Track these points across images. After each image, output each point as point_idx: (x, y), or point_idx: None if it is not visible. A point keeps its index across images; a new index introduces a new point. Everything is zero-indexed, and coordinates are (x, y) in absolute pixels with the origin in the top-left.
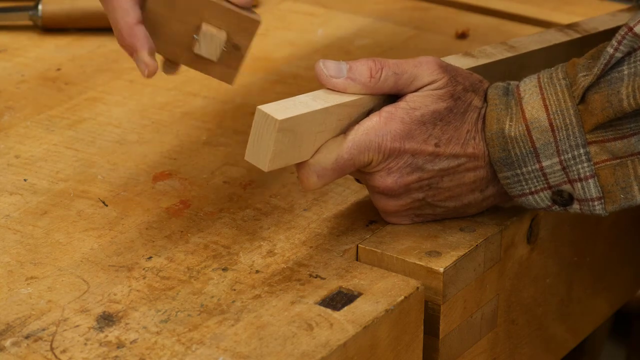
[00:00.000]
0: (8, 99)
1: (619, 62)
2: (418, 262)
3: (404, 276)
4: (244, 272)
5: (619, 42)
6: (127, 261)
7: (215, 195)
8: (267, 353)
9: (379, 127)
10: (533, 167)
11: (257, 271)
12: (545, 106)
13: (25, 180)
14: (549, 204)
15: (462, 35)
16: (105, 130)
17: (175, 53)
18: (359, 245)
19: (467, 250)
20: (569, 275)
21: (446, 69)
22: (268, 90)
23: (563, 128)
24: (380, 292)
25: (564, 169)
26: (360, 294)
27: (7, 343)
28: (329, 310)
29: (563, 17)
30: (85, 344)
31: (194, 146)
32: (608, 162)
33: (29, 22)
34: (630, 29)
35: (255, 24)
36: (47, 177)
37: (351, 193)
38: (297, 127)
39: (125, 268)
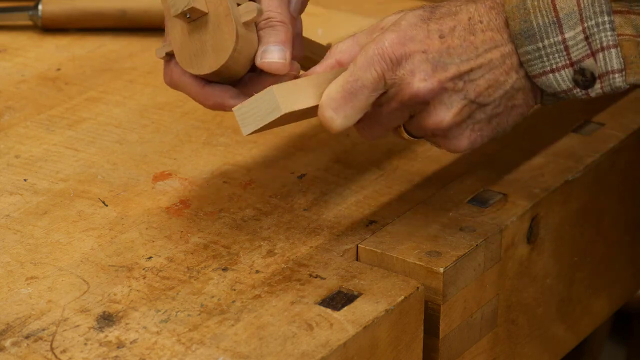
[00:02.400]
0: (8, 99)
1: None
2: (418, 262)
3: (404, 276)
4: (244, 272)
5: None
6: (127, 261)
7: (215, 195)
8: (267, 353)
9: (373, 43)
10: (555, 39)
11: (257, 271)
12: None
13: (25, 180)
14: (570, 85)
15: None
16: (105, 130)
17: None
18: (359, 245)
19: (467, 250)
20: (569, 275)
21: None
22: None
23: None
24: (380, 292)
25: (586, 38)
26: (360, 294)
27: (7, 343)
28: (329, 310)
29: None
30: (85, 344)
31: (194, 146)
32: (632, 37)
33: (29, 22)
34: None
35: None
36: (47, 177)
37: (351, 193)
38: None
39: (125, 268)
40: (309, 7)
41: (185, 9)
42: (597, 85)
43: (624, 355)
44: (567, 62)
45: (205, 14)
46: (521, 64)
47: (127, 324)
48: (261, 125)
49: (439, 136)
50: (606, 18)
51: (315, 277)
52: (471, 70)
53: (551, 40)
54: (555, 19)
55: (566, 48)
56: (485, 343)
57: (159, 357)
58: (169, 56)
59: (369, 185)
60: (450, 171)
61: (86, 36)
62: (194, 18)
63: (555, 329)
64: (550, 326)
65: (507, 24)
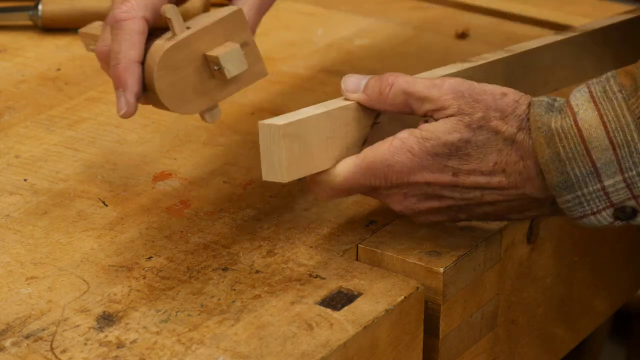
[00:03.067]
0: (8, 99)
1: None
2: (418, 262)
3: (404, 276)
4: (244, 272)
5: None
6: (127, 261)
7: (215, 195)
8: (267, 353)
9: (387, 156)
10: (595, 187)
11: (257, 271)
12: (604, 123)
13: (25, 180)
14: (611, 220)
15: (462, 35)
16: (105, 130)
17: (209, 99)
18: (359, 245)
19: (467, 250)
20: (569, 275)
21: (462, 93)
22: (268, 90)
23: (625, 145)
24: (380, 292)
25: (627, 186)
26: (360, 294)
27: (7, 343)
28: (329, 310)
29: (563, 17)
30: (85, 344)
31: (194, 146)
32: None
33: (29, 22)
34: None
35: (238, 13)
36: (47, 177)
37: None
38: (302, 132)
39: (125, 268)
40: (309, 7)
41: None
42: (639, 218)
43: (624, 355)
44: (608, 204)
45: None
46: (530, 209)
47: (127, 324)
48: (285, 158)
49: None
50: None
51: (315, 277)
52: (469, 206)
53: (590, 188)
54: (592, 169)
55: (606, 194)
56: (485, 343)
57: (159, 357)
58: (153, 14)
59: None
60: None
61: None
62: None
63: (555, 329)
64: (550, 326)
65: (537, 176)
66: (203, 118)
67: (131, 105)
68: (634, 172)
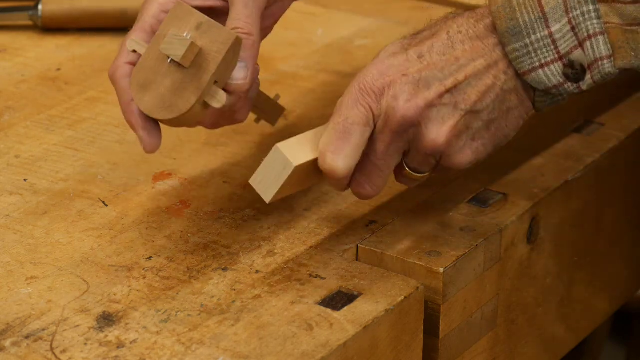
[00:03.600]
0: (8, 99)
1: None
2: (418, 262)
3: (404, 276)
4: (244, 272)
5: None
6: (127, 261)
7: (215, 195)
8: (267, 353)
9: (355, 80)
10: (542, 34)
11: (257, 271)
12: None
13: (25, 180)
14: (561, 80)
15: None
16: (105, 130)
17: (193, 92)
18: (359, 245)
19: (467, 250)
20: (569, 275)
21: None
22: (268, 90)
23: None
24: (380, 292)
25: (572, 29)
26: (360, 294)
27: (7, 343)
28: (329, 310)
29: None
30: (85, 344)
31: (194, 146)
32: (618, 25)
33: (29, 22)
34: None
35: (234, 40)
36: (47, 177)
37: (351, 193)
38: (307, 167)
39: (125, 268)
40: (309, 7)
41: (181, 53)
42: (588, 76)
43: (624, 355)
44: (556, 55)
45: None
46: (510, 64)
47: (127, 324)
48: (279, 187)
49: (442, 156)
50: (591, 7)
51: (315, 277)
52: (457, 83)
53: (538, 35)
54: (541, 13)
55: (553, 42)
56: (485, 343)
57: (159, 357)
58: (134, 54)
59: None
60: None
61: (86, 36)
62: (178, 62)
63: (555, 329)
64: (550, 326)
65: (489, 29)
66: (209, 106)
67: (145, 139)
68: (578, 12)
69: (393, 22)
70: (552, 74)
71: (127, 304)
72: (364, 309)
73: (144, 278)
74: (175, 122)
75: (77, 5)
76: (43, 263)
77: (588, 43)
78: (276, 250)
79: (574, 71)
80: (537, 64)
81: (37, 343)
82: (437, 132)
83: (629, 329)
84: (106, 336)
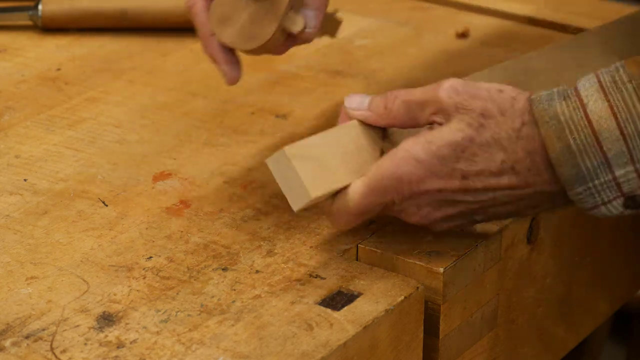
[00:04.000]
0: (8, 99)
1: None
2: (418, 262)
3: (404, 276)
4: (244, 272)
5: None
6: (127, 261)
7: (215, 195)
8: (267, 353)
9: (394, 169)
10: (606, 178)
11: (257, 271)
12: (614, 114)
13: (25, 180)
14: (622, 210)
15: (462, 35)
16: (105, 130)
17: (271, 22)
18: (359, 245)
19: (467, 250)
20: (569, 275)
21: (458, 90)
22: (268, 90)
23: (636, 136)
24: (380, 292)
25: (639, 176)
26: (360, 294)
27: (7, 343)
28: (329, 310)
29: (563, 17)
30: (85, 344)
31: (194, 146)
32: None
33: (29, 22)
34: None
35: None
36: (47, 177)
37: None
38: (311, 152)
39: (125, 268)
40: None
41: None
42: None
43: (624, 355)
44: (619, 194)
45: None
46: (542, 204)
47: (127, 324)
48: (302, 177)
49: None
50: None
51: (315, 277)
52: (483, 207)
53: (602, 179)
54: (603, 159)
55: (617, 184)
56: (485, 343)
57: (159, 357)
58: None
59: None
60: None
61: (86, 36)
62: None
63: (555, 329)
64: (550, 326)
65: (546, 169)
66: (288, 31)
67: (228, 73)
68: None
69: (393, 22)
70: (613, 208)
71: (127, 304)
72: (364, 309)
73: (144, 278)
74: (256, 52)
75: (77, 5)
76: (43, 263)
77: None
78: (276, 250)
79: (635, 203)
80: (600, 202)
81: (37, 343)
82: (441, 226)
83: (629, 329)
84: (106, 336)
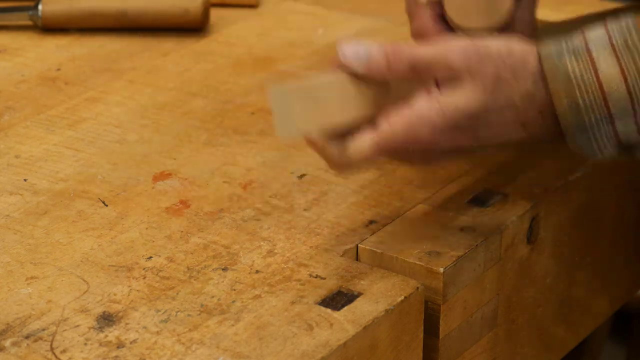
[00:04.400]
0: (8, 99)
1: None
2: (418, 262)
3: (404, 276)
4: (244, 272)
5: None
6: (127, 261)
7: (215, 195)
8: (267, 353)
9: (408, 133)
10: (607, 129)
11: (257, 271)
12: (624, 76)
13: (25, 180)
14: (614, 154)
15: None
16: (105, 130)
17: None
18: (359, 245)
19: (467, 250)
20: (569, 275)
21: (468, 52)
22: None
23: (638, 78)
24: (380, 292)
25: (638, 130)
26: (360, 294)
27: (7, 343)
28: (329, 310)
29: (563, 17)
30: (85, 344)
31: (194, 146)
32: None
33: (29, 22)
34: None
35: None
36: (47, 177)
37: (351, 193)
38: (311, 92)
39: (125, 268)
40: (309, 7)
41: None
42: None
43: (624, 355)
44: (616, 142)
45: None
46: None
47: (127, 324)
48: (296, 113)
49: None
50: None
51: (315, 277)
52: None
53: (602, 130)
54: (607, 115)
55: (616, 134)
56: (485, 343)
57: (159, 357)
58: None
59: (369, 185)
60: (450, 171)
61: (86, 36)
62: None
63: (555, 329)
64: (550, 326)
65: (554, 125)
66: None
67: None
68: None
69: (393, 22)
70: (607, 153)
71: (127, 304)
72: (364, 309)
73: (144, 278)
74: (497, 27)
75: (77, 5)
76: (43, 263)
77: None
78: (276, 250)
79: (630, 147)
80: (597, 149)
81: (37, 343)
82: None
83: (629, 329)
84: (106, 336)
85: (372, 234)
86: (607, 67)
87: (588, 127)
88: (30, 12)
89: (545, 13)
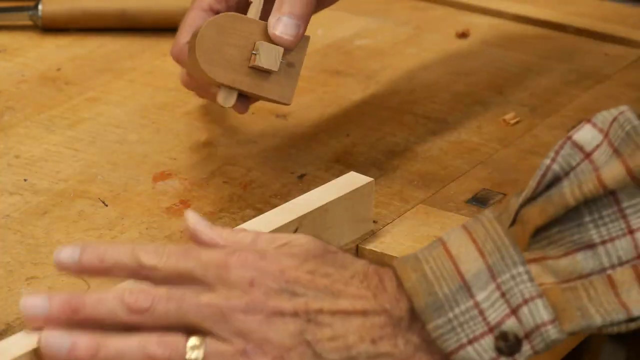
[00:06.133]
0: (8, 99)
1: (557, 179)
2: None
3: None
4: None
5: (557, 153)
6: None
7: (215, 195)
8: None
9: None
10: (467, 305)
11: None
12: (473, 239)
13: (25, 180)
14: (494, 355)
15: (462, 35)
16: (106, 130)
17: (234, 79)
18: (359, 245)
19: None
20: None
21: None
22: None
23: (496, 251)
24: None
25: (503, 295)
26: None
27: None
28: None
29: (563, 17)
30: None
31: (194, 146)
32: (555, 285)
33: (29, 22)
34: (569, 138)
35: (306, 39)
36: (47, 177)
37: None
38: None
39: None
40: None
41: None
42: (526, 347)
43: (624, 355)
44: (486, 328)
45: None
46: (385, 339)
47: None
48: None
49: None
50: (521, 269)
51: None
52: (322, 312)
53: (462, 307)
54: (462, 282)
55: (481, 312)
56: None
57: None
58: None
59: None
60: (450, 171)
61: (86, 36)
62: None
63: None
64: None
65: (403, 299)
66: (217, 96)
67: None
68: (508, 276)
69: (393, 22)
70: (482, 350)
71: None
72: None
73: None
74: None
75: (77, 5)
76: (43, 263)
77: (525, 308)
78: None
79: (508, 343)
80: (465, 340)
81: None
82: (271, 347)
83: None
84: None
85: (372, 234)
86: (454, 237)
87: (444, 302)
88: (30, 12)
89: (545, 13)
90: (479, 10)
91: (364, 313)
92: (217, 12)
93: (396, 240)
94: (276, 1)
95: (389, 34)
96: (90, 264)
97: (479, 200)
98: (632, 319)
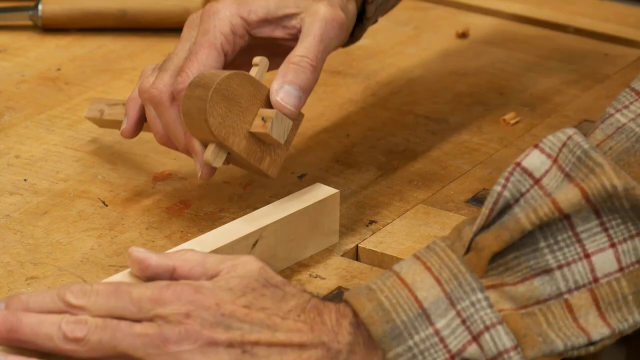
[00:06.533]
0: (8, 99)
1: (508, 206)
2: None
3: None
4: None
5: (507, 179)
6: (127, 261)
7: (215, 195)
8: None
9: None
10: (427, 333)
11: None
12: (428, 268)
13: (25, 180)
14: None
15: (462, 35)
16: (106, 131)
17: (232, 140)
18: (359, 245)
19: None
20: None
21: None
22: None
23: (452, 279)
24: None
25: (463, 321)
26: None
27: None
28: None
29: (563, 17)
30: None
31: None
32: (513, 311)
33: (29, 22)
34: (518, 164)
35: (301, 116)
36: (47, 177)
37: (351, 193)
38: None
39: (126, 268)
40: None
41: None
42: None
43: (624, 355)
44: (447, 355)
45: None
46: None
47: None
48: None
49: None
50: (480, 295)
51: (315, 277)
52: (258, 344)
53: (422, 335)
54: (420, 310)
55: (441, 340)
56: None
57: None
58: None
59: (369, 185)
60: (450, 171)
61: (86, 36)
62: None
63: None
64: None
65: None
66: (205, 152)
67: (205, 169)
68: (467, 303)
69: (393, 22)
70: None
71: None
72: None
73: None
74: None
75: (77, 5)
76: (43, 263)
77: (486, 335)
78: None
79: None
80: None
81: None
82: None
83: None
84: None
85: (372, 234)
86: (408, 267)
87: (402, 329)
88: (30, 12)
89: (545, 13)
90: (479, 10)
91: (300, 346)
92: (225, 54)
93: (396, 240)
94: (281, 67)
95: (389, 34)
96: (15, 315)
97: (479, 200)
98: (592, 343)
